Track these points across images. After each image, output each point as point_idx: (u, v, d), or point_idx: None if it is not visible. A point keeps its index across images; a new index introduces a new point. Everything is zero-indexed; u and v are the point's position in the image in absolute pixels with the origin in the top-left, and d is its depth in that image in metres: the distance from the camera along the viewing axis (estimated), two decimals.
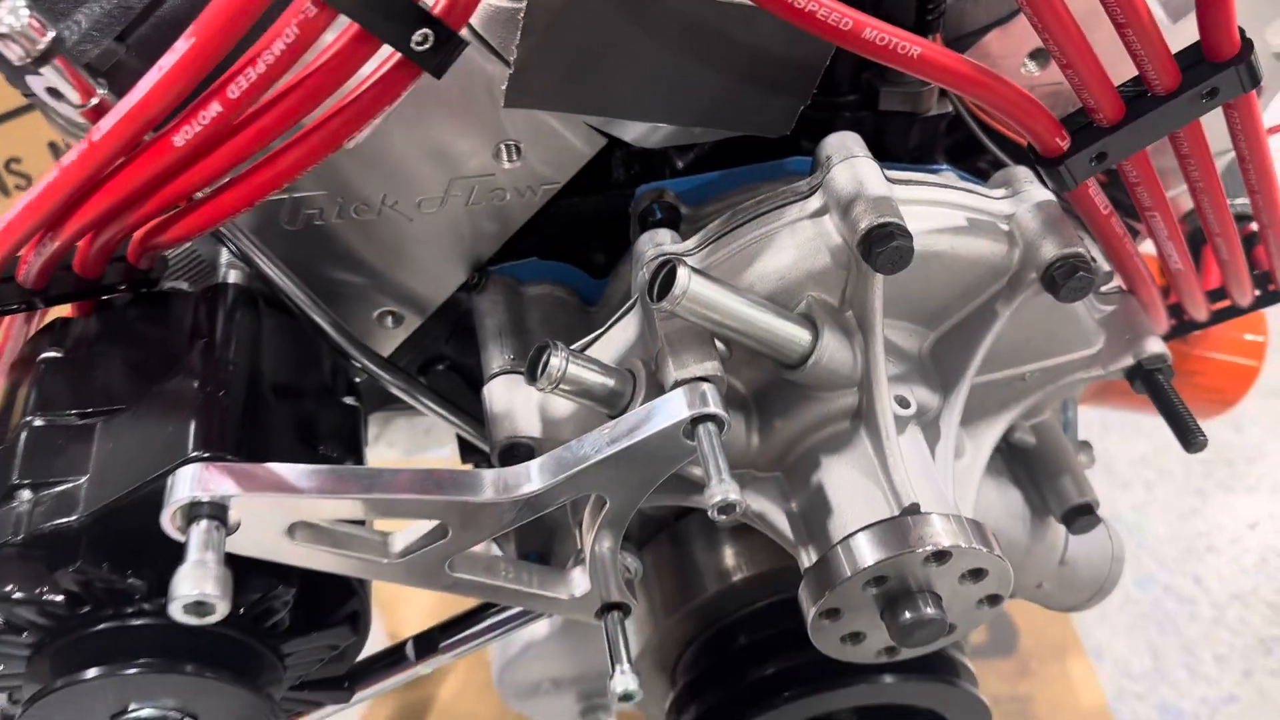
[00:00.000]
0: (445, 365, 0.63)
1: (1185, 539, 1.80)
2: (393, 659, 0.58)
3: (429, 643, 0.58)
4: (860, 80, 0.55)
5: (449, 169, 0.53)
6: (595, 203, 0.56)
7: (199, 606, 0.39)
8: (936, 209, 0.48)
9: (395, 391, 0.56)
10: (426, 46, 0.40)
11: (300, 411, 0.52)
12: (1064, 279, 0.46)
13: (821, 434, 0.49)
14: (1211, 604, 1.72)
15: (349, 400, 0.56)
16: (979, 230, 0.49)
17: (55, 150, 1.61)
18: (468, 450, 0.68)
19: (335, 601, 0.50)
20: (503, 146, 0.52)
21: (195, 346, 0.48)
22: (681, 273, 0.43)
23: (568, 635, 0.79)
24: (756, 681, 0.57)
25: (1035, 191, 0.50)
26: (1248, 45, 0.43)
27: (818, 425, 0.49)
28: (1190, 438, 0.51)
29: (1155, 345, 0.53)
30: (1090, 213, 0.49)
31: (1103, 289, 0.55)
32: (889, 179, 0.48)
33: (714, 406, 0.43)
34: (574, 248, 0.59)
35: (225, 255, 0.53)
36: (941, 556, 0.44)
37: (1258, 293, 0.63)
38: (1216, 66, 0.44)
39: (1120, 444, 1.93)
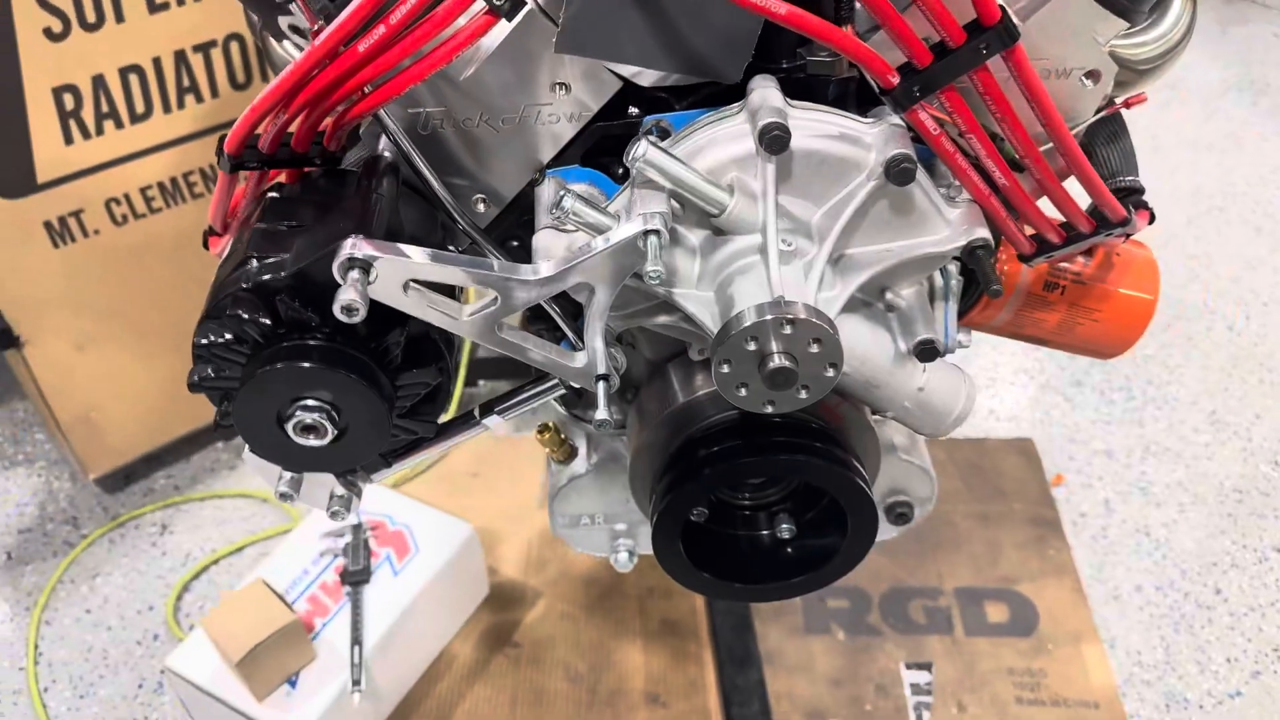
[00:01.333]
0: (517, 244, 0.92)
1: (1211, 555, 1.95)
2: (466, 418, 0.87)
3: (489, 408, 0.86)
4: (795, 52, 0.83)
5: (522, 98, 0.83)
6: (618, 128, 0.86)
7: (349, 310, 0.69)
8: (819, 124, 0.76)
9: (484, 246, 0.86)
10: (505, 3, 0.71)
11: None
12: (893, 168, 0.73)
13: (737, 264, 0.77)
14: (1229, 612, 1.86)
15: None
16: (848, 140, 0.76)
17: None
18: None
19: (429, 354, 0.79)
20: (556, 85, 0.82)
21: (360, 187, 0.80)
22: (643, 142, 0.72)
23: (599, 476, 1.06)
24: (699, 459, 0.84)
25: (891, 119, 0.77)
26: (1005, 14, 0.70)
27: (735, 257, 0.77)
28: (989, 285, 0.76)
29: (981, 232, 0.78)
30: (924, 132, 0.75)
31: (954, 197, 0.81)
32: (790, 104, 0.76)
33: (657, 225, 0.71)
34: (603, 160, 0.88)
35: (383, 143, 0.85)
36: (793, 324, 0.71)
37: (1094, 222, 0.87)
38: (985, 29, 0.70)
39: (1158, 468, 2.10)
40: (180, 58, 1.83)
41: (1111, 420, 2.20)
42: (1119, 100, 0.91)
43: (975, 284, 0.98)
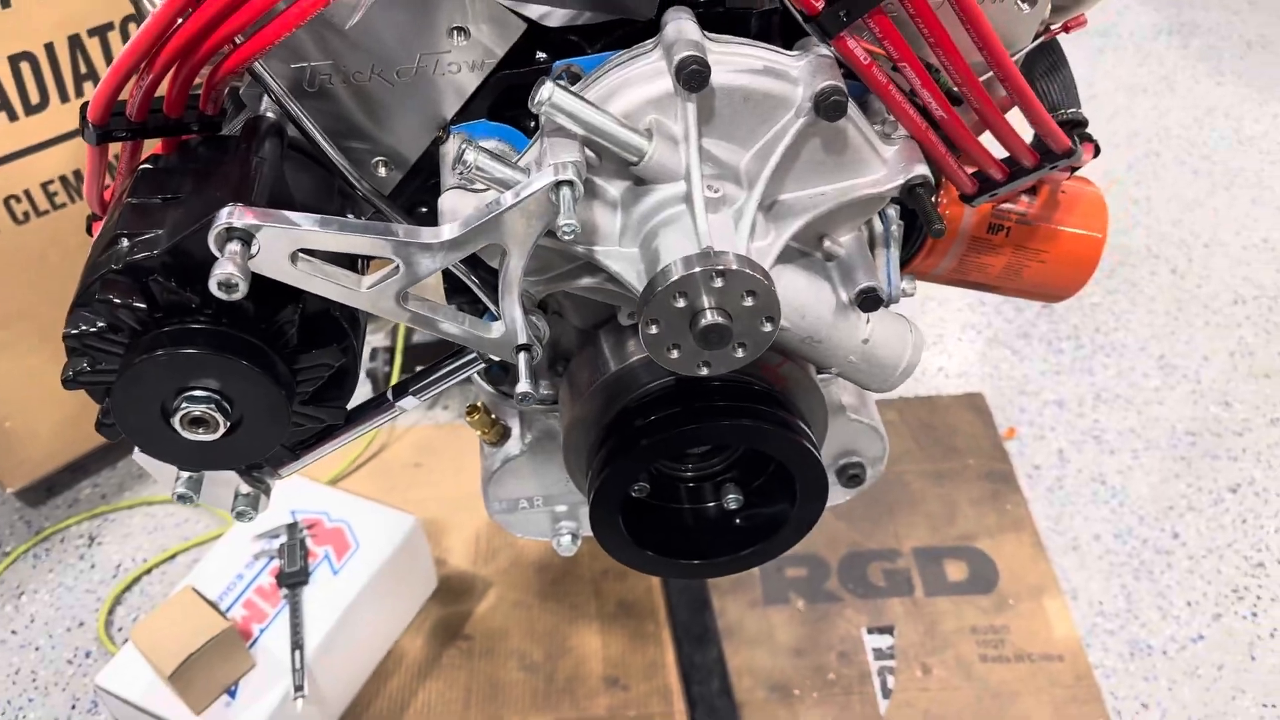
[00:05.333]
0: (426, 210, 0.85)
1: (1167, 499, 1.93)
2: (378, 401, 0.80)
3: (402, 389, 0.79)
4: None
5: (417, 46, 0.76)
6: (526, 76, 0.79)
7: (227, 286, 0.62)
8: (741, 57, 0.70)
9: (387, 213, 0.79)
10: None
11: None
12: (822, 101, 0.67)
13: (662, 215, 0.70)
14: (1188, 555, 1.85)
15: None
16: (773, 74, 0.70)
17: None
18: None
19: (331, 332, 0.72)
20: (454, 30, 0.75)
21: (239, 151, 0.72)
22: (547, 84, 0.65)
23: (535, 456, 0.99)
24: (635, 429, 0.77)
25: (819, 50, 0.71)
26: None
27: (659, 208, 0.70)
28: (930, 224, 0.71)
29: (920, 169, 0.73)
30: (854, 62, 0.70)
31: (890, 134, 0.75)
32: (709, 37, 0.70)
33: (569, 175, 0.65)
34: (513, 113, 0.81)
35: (265, 104, 0.77)
36: (724, 275, 0.65)
37: (1038, 155, 0.82)
38: None
39: (1110, 416, 2.08)
40: (75, 43, 1.72)
41: (1061, 370, 2.17)
42: (1057, 25, 0.86)
43: (916, 230, 0.93)
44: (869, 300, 0.74)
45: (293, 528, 1.67)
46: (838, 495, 1.02)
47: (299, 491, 1.74)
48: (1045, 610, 1.75)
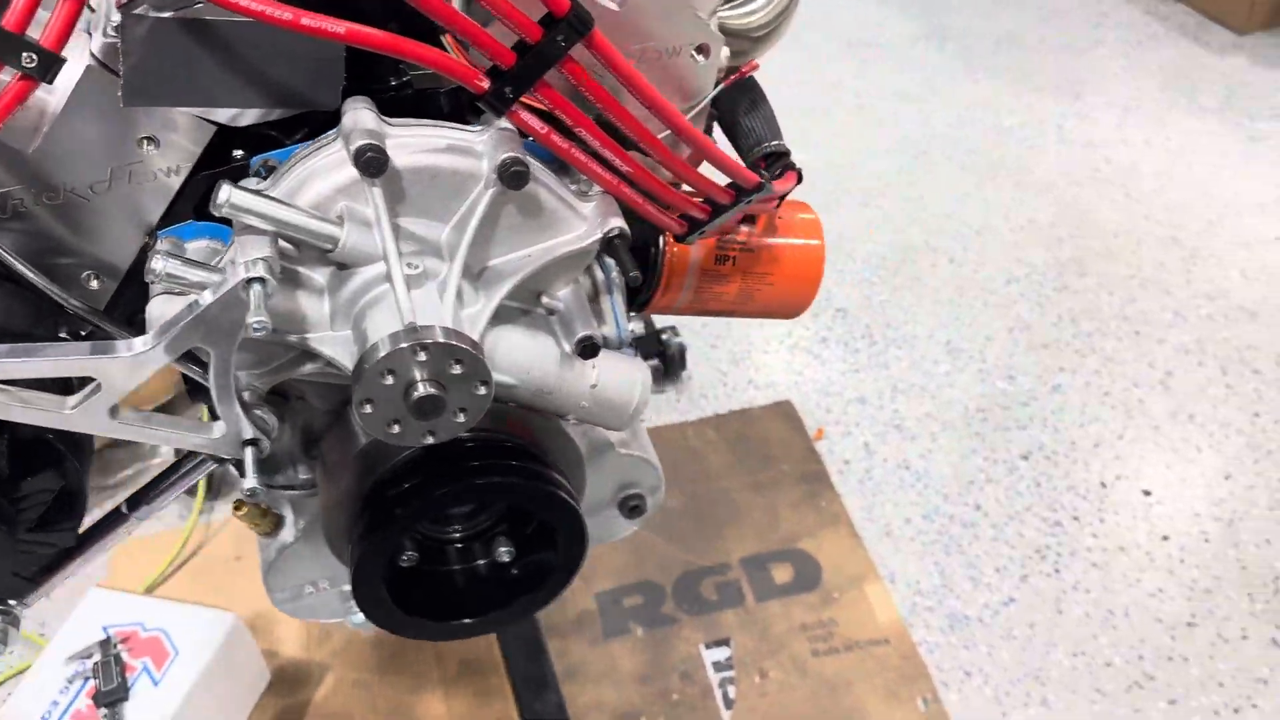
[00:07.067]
0: None
1: (967, 475, 2.05)
2: (114, 517, 0.79)
3: (137, 500, 0.79)
4: (400, 69, 0.79)
5: (106, 159, 0.76)
6: (226, 175, 0.80)
7: None
8: (423, 139, 0.73)
9: (104, 327, 0.78)
10: (34, 64, 0.64)
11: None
12: (504, 172, 0.71)
13: (368, 296, 0.73)
14: (991, 525, 1.96)
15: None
16: (457, 151, 0.73)
17: None
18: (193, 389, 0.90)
19: (45, 458, 0.72)
20: (142, 140, 0.76)
21: None
22: (224, 186, 0.67)
23: (311, 540, 0.99)
24: (388, 500, 0.79)
25: (499, 124, 0.75)
26: (574, 3, 0.68)
27: (364, 289, 0.73)
28: (626, 272, 0.75)
29: (616, 223, 0.77)
30: (531, 132, 0.74)
31: (587, 191, 0.80)
32: (389, 122, 0.73)
33: (260, 272, 0.66)
34: None
35: None
36: (427, 348, 0.67)
37: (733, 193, 0.87)
38: (558, 19, 0.69)
39: (908, 404, 2.19)
40: None
41: (860, 368, 2.29)
42: (738, 70, 0.92)
43: (651, 271, 0.98)
44: (587, 348, 0.78)
45: (105, 644, 1.61)
46: (625, 527, 1.06)
47: (111, 605, 1.67)
48: (868, 597, 1.84)
